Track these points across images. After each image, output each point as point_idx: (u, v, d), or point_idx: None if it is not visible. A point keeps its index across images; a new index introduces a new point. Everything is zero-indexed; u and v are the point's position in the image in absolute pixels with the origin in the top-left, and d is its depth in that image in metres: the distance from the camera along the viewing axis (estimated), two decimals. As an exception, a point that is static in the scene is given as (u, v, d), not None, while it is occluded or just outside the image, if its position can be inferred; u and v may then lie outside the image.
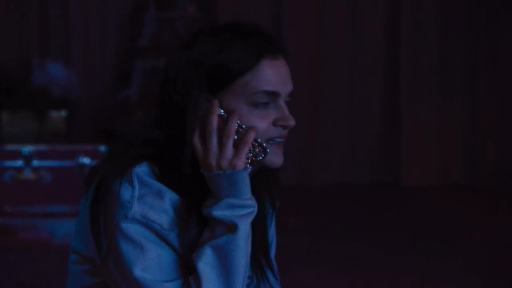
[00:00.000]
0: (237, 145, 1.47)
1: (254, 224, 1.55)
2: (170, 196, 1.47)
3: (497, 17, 6.46)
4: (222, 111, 1.49)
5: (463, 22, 6.54)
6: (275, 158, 1.53)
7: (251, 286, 1.64)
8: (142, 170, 1.48)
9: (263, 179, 1.61)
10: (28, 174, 4.96)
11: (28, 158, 4.95)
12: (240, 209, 1.46)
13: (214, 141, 1.47)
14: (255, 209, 1.48)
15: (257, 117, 1.51)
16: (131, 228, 1.44)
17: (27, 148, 4.98)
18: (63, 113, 5.48)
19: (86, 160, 4.94)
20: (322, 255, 4.50)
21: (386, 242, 4.76)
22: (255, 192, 1.52)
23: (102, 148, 4.99)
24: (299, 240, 4.66)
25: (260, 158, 1.50)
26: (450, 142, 6.59)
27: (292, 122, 1.53)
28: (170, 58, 1.54)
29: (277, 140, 1.53)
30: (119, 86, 6.19)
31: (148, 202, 1.45)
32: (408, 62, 6.53)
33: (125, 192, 1.45)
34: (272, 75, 1.51)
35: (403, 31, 6.52)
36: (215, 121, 1.47)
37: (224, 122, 1.48)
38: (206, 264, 1.44)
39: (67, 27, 6.34)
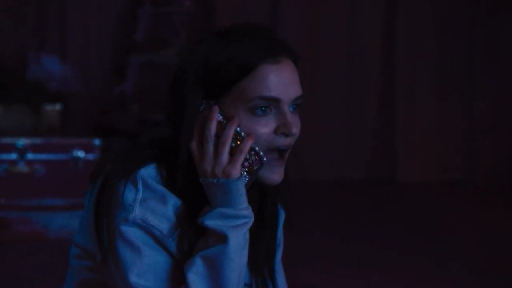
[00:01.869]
0: (233, 153, 1.44)
1: (261, 234, 1.53)
2: (173, 202, 1.44)
3: (495, 15, 6.44)
4: (221, 117, 1.45)
5: (461, 19, 6.53)
6: (272, 175, 1.50)
7: None
8: (148, 173, 1.44)
9: (274, 191, 1.58)
10: (22, 167, 4.93)
11: (22, 151, 4.93)
12: (232, 220, 1.42)
13: (210, 147, 1.43)
14: (250, 220, 1.44)
15: (257, 125, 1.46)
16: (130, 232, 1.42)
17: (22, 141, 4.96)
18: (58, 106, 5.45)
19: (80, 154, 4.92)
20: (319, 252, 4.47)
21: (383, 239, 4.74)
22: (265, 204, 1.52)
23: (97, 141, 4.97)
24: (296, 238, 4.63)
25: (256, 167, 1.45)
26: (447, 138, 6.57)
27: (294, 130, 1.48)
28: (179, 60, 1.50)
29: (281, 148, 1.49)
30: (114, 81, 6.17)
31: (150, 207, 1.43)
32: (405, 58, 6.51)
33: (129, 195, 1.43)
34: (271, 80, 1.45)
35: (400, 28, 6.50)
36: (213, 127, 1.44)
37: (223, 128, 1.44)
38: (195, 274, 1.41)
39: (63, 21, 6.31)
